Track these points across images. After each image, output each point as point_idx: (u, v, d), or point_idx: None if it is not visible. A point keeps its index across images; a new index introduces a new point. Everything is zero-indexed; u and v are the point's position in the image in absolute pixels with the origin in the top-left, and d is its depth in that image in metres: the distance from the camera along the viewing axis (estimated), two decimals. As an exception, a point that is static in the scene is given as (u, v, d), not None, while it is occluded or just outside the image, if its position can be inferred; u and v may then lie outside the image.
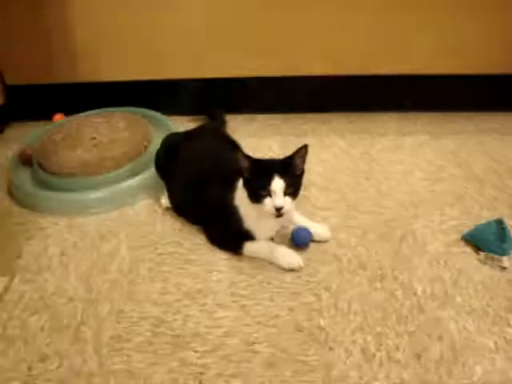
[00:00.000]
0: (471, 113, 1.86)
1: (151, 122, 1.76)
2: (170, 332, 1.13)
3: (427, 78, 1.81)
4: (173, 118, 1.83)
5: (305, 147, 1.19)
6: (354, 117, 1.87)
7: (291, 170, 1.20)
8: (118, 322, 1.16)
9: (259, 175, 1.18)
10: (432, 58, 1.78)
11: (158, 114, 1.82)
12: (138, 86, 1.91)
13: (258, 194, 1.18)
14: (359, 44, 1.77)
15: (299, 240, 1.27)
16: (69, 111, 1.92)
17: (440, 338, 1.08)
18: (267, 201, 1.17)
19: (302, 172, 1.23)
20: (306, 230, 1.29)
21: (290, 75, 1.83)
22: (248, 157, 1.19)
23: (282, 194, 1.17)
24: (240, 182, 1.23)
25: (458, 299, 1.16)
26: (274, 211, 1.17)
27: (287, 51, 1.79)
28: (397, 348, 1.07)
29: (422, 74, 1.81)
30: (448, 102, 1.86)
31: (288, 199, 1.18)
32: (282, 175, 1.16)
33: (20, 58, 1.92)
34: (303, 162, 1.21)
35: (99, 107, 1.89)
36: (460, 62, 1.77)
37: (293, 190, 1.19)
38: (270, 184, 1.16)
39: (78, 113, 1.88)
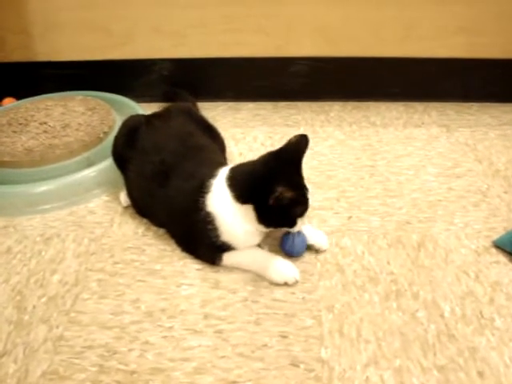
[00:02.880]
0: (489, 103, 1.61)
1: (117, 108, 1.48)
2: (122, 367, 0.85)
3: (438, 62, 1.55)
4: (145, 104, 1.53)
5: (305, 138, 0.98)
6: (352, 105, 1.61)
7: None
8: (56, 353, 0.87)
9: (300, 203, 0.95)
10: (443, 38, 1.53)
11: (125, 99, 1.54)
12: (104, 67, 1.63)
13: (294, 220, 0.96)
14: (358, 21, 1.51)
15: (293, 248, 0.99)
16: (21, 95, 1.62)
17: (480, 375, 0.82)
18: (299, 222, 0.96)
19: None
20: (300, 236, 1.00)
21: (280, 56, 1.56)
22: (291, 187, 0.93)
23: None
24: (216, 181, 0.95)
25: (498, 322, 0.90)
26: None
27: (277, 28, 1.53)
28: (424, 389, 0.80)
29: (431, 57, 1.56)
30: (462, 91, 1.60)
31: None
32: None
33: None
34: None
35: (57, 91, 1.60)
36: (476, 42, 1.51)
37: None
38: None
39: (31, 96, 1.59)
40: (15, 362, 0.86)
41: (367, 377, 0.82)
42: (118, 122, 1.40)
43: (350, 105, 1.60)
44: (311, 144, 1.30)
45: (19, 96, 1.65)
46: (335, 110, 1.59)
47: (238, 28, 1.54)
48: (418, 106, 1.62)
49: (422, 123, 1.52)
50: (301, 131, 1.37)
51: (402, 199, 1.21)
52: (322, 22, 1.54)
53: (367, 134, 1.46)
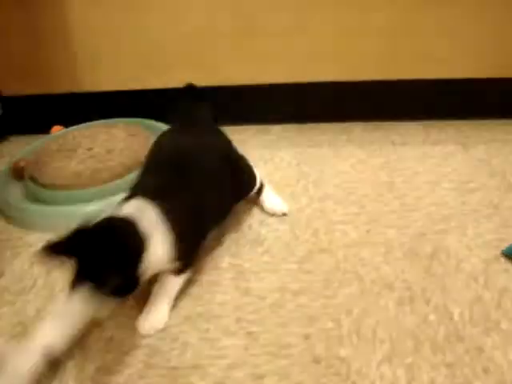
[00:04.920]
0: (505, 120, 1.69)
1: (156, 133, 1.61)
2: (165, 363, 0.97)
3: (454, 83, 1.65)
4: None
5: None
6: (373, 125, 1.72)
7: None
8: (107, 351, 0.99)
9: None
10: (458, 61, 1.62)
11: (162, 125, 1.67)
12: (142, 96, 1.78)
13: None
14: (376, 46, 1.62)
15: None
16: (69, 123, 1.79)
17: (485, 371, 0.91)
18: None
19: None
20: None
21: (302, 81, 1.68)
22: None
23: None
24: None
25: (504, 324, 0.99)
26: None
27: (298, 56, 1.65)
28: (433, 383, 0.89)
29: (447, 78, 1.65)
30: (479, 109, 1.69)
31: None
32: None
33: (17, 68, 1.80)
34: None
35: (101, 118, 1.76)
36: (492, 64, 1.61)
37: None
38: None
39: (78, 124, 1.74)
40: (73, 358, 0.99)
41: (381, 372, 0.92)
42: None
43: (371, 125, 1.70)
44: (334, 163, 1.42)
45: (66, 124, 1.80)
46: (357, 130, 1.69)
47: (263, 57, 1.67)
48: (436, 124, 1.71)
49: (438, 141, 1.61)
50: (324, 151, 1.50)
51: (418, 213, 1.31)
52: (342, 49, 1.65)
53: (387, 153, 1.56)
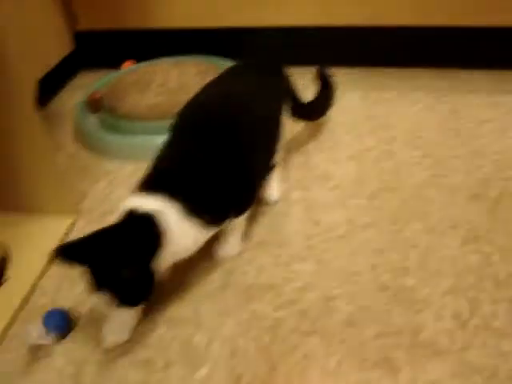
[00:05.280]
0: None
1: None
2: (241, 282, 1.05)
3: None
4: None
5: None
6: (440, 73, 1.71)
7: None
8: (188, 268, 1.08)
9: None
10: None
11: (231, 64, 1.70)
12: (214, 34, 1.81)
13: None
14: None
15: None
16: (139, 58, 1.84)
17: (546, 308, 0.95)
18: None
19: None
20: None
21: (369, 25, 1.68)
22: None
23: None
24: None
25: None
26: None
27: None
28: (494, 315, 0.94)
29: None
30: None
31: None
32: None
33: (91, 3, 1.85)
34: None
35: (171, 55, 1.80)
36: None
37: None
38: None
39: (148, 60, 1.80)
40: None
41: (445, 303, 0.98)
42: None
43: (439, 72, 1.70)
44: (401, 107, 1.45)
45: (137, 60, 1.86)
46: (425, 76, 1.70)
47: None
48: (506, 73, 1.69)
49: (507, 91, 1.60)
50: (390, 95, 1.52)
51: (484, 159, 1.33)
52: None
53: (454, 100, 1.57)
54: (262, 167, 1.12)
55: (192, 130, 1.01)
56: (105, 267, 0.85)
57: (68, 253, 0.85)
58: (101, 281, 0.85)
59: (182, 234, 0.90)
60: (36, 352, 0.97)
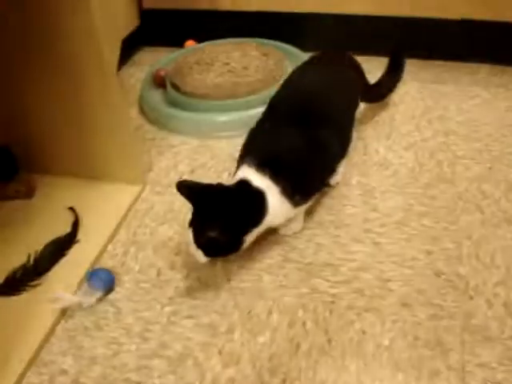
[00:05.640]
0: None
1: (288, 56, 1.71)
2: (301, 259, 1.10)
3: None
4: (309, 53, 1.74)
5: None
6: (499, 69, 1.72)
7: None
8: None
9: None
10: None
11: (293, 49, 1.76)
12: (277, 18, 1.85)
13: None
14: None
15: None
16: (201, 39, 1.90)
17: None
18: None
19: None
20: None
21: (433, 16, 1.69)
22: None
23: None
24: None
25: None
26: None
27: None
28: (545, 308, 0.98)
29: None
30: None
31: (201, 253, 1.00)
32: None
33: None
34: None
35: (233, 37, 1.85)
36: None
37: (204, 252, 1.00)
38: None
39: (210, 40, 1.85)
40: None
41: (496, 293, 1.02)
42: (289, 68, 1.64)
43: (499, 68, 1.71)
44: (458, 101, 1.47)
45: (199, 40, 1.92)
46: (483, 72, 1.71)
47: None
48: None
49: None
50: (449, 88, 1.54)
51: (541, 157, 1.35)
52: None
53: (511, 98, 1.58)
54: (341, 154, 1.20)
55: (288, 118, 1.11)
56: (206, 220, 0.97)
57: (186, 189, 1.00)
58: (197, 227, 0.98)
59: (276, 212, 1.02)
60: (106, 310, 1.04)
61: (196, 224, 0.98)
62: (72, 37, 1.09)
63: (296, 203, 1.05)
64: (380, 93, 1.49)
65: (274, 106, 1.17)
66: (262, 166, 1.01)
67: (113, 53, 1.18)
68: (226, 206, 0.98)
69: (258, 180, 1.00)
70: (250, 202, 0.99)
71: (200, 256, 1.00)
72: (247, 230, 0.99)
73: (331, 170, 1.17)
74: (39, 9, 1.07)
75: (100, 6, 1.06)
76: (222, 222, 0.96)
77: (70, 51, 1.12)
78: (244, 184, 1.00)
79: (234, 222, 0.97)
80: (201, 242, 0.97)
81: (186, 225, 1.01)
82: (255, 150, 1.06)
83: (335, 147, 1.13)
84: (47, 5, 1.06)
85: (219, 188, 1.01)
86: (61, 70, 1.16)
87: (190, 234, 0.99)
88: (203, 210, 0.98)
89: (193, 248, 0.99)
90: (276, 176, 1.00)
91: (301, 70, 1.29)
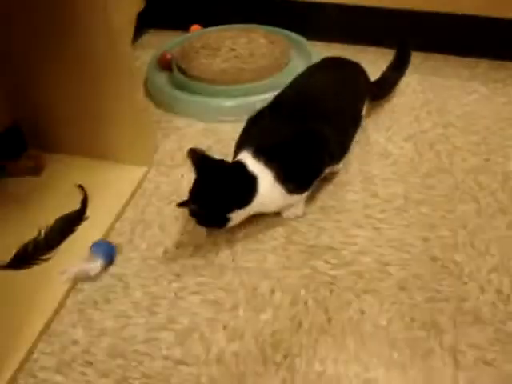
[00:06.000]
0: None
1: (294, 44, 1.74)
2: (303, 241, 1.15)
3: None
4: (315, 43, 1.81)
5: None
6: (498, 64, 1.76)
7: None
8: (253, 223, 1.18)
9: None
10: None
11: (298, 37, 1.79)
12: (282, 6, 1.88)
13: None
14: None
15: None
16: (207, 23, 1.92)
17: None
18: None
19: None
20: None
21: (435, 10, 1.73)
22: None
23: None
24: None
25: None
26: None
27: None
28: (535, 294, 1.03)
29: None
30: None
31: None
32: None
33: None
34: None
35: (238, 23, 1.87)
36: None
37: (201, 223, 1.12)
38: None
39: (215, 25, 1.88)
40: (240, 228, 1.18)
41: (490, 279, 1.07)
42: (294, 56, 1.68)
43: (497, 64, 1.75)
44: (458, 95, 1.51)
45: (205, 24, 1.94)
46: (482, 67, 1.75)
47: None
48: None
49: None
50: (448, 82, 1.59)
51: (537, 151, 1.40)
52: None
53: (510, 92, 1.63)
54: (342, 149, 1.26)
55: (289, 112, 1.17)
56: (194, 192, 1.07)
57: (194, 156, 1.10)
58: (189, 196, 1.07)
59: (267, 196, 1.09)
60: (115, 284, 1.08)
61: (190, 192, 1.07)
62: (88, 21, 1.13)
63: (291, 190, 1.10)
64: (383, 91, 1.55)
65: (277, 101, 1.24)
66: (258, 152, 1.08)
67: (126, 33, 1.19)
68: (215, 181, 1.07)
69: (254, 164, 1.07)
70: (239, 183, 1.07)
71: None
72: (231, 208, 1.06)
73: (326, 163, 1.20)
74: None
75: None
76: (206, 196, 1.05)
77: (85, 34, 1.15)
78: (239, 165, 1.08)
79: (218, 199, 1.05)
80: (190, 210, 1.07)
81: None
82: (253, 138, 1.13)
83: (332, 144, 1.18)
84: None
85: (218, 164, 1.10)
86: (74, 50, 1.19)
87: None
88: (199, 180, 1.08)
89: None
90: (270, 162, 1.07)
91: (309, 71, 1.37)
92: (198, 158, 1.10)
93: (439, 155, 1.36)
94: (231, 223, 1.09)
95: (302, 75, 1.35)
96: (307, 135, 1.13)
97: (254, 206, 1.08)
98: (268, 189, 1.08)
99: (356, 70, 1.41)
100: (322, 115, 1.17)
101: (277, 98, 1.25)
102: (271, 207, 1.14)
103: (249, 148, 1.09)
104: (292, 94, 1.25)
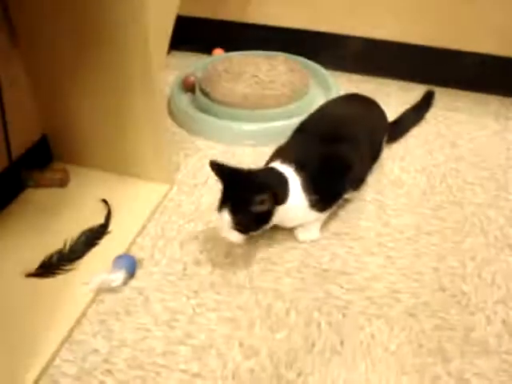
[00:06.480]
0: None
1: (312, 73, 1.81)
2: (317, 265, 1.19)
3: None
4: (334, 73, 1.88)
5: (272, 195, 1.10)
6: (510, 102, 1.82)
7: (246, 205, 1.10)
8: (270, 246, 1.23)
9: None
10: None
11: (317, 66, 1.85)
12: (303, 35, 1.94)
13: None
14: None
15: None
16: (228, 48, 1.99)
17: None
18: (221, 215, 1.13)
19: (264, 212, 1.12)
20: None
21: (454, 48, 1.79)
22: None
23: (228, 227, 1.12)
24: None
25: None
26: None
27: (456, 20, 1.76)
28: (540, 328, 1.07)
29: None
30: None
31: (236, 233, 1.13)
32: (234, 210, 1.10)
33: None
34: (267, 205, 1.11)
35: (260, 49, 1.94)
36: None
37: (242, 227, 1.12)
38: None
39: (236, 50, 1.94)
40: (241, 247, 1.23)
41: (496, 310, 1.11)
42: (312, 85, 1.74)
43: (509, 101, 1.81)
44: (470, 130, 1.57)
45: (227, 49, 2.01)
46: (494, 104, 1.80)
47: (419, 18, 1.79)
48: None
49: None
50: (462, 117, 1.64)
51: (544, 187, 1.44)
52: (498, 22, 1.74)
53: (520, 130, 1.68)
54: (361, 177, 1.34)
55: (318, 135, 1.27)
56: (236, 197, 1.11)
57: (216, 168, 1.14)
58: (225, 202, 1.10)
59: (294, 202, 1.16)
60: (135, 297, 1.13)
61: (234, 200, 1.10)
62: (122, 38, 1.18)
63: (312, 204, 1.17)
64: (398, 133, 1.61)
65: (306, 125, 1.34)
66: (289, 161, 1.17)
67: (159, 56, 1.25)
68: (264, 180, 1.14)
69: (285, 169, 1.16)
70: (279, 180, 1.14)
71: (235, 236, 1.12)
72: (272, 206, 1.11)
73: (347, 187, 1.27)
74: (94, 16, 1.17)
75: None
76: (268, 191, 1.09)
77: (118, 52, 1.21)
78: (271, 168, 1.17)
79: (274, 194, 1.10)
80: (241, 214, 1.09)
81: (216, 211, 1.13)
82: (284, 154, 1.21)
83: (355, 170, 1.26)
84: (100, 12, 1.16)
85: (248, 170, 1.16)
86: (106, 68, 1.25)
87: (223, 217, 1.10)
88: (238, 187, 1.11)
89: (226, 230, 1.11)
90: (299, 171, 1.15)
91: (334, 102, 1.48)
92: (224, 169, 1.15)
93: (450, 189, 1.42)
94: (270, 224, 1.14)
95: (327, 104, 1.45)
96: (335, 156, 1.22)
97: (283, 210, 1.13)
98: (294, 195, 1.14)
99: (377, 106, 1.48)
100: (349, 142, 1.25)
101: (306, 123, 1.34)
102: (291, 218, 1.19)
103: (280, 159, 1.19)
104: (320, 120, 1.34)
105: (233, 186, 1.12)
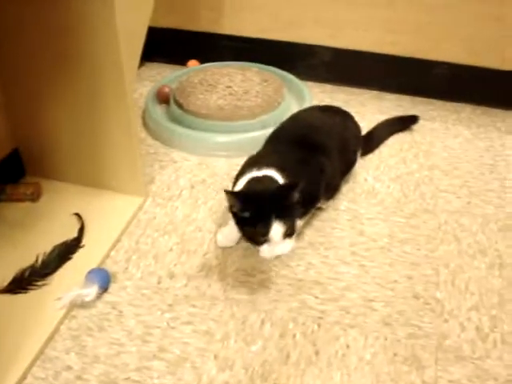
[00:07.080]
0: None
1: (286, 83, 1.81)
2: (293, 275, 1.19)
3: None
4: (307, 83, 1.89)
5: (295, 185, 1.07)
6: (482, 110, 1.84)
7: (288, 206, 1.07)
8: (245, 257, 1.23)
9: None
10: None
11: (291, 76, 1.86)
12: (276, 45, 1.95)
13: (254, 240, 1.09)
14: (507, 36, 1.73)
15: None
16: (203, 59, 1.99)
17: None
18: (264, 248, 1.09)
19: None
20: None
21: (425, 58, 1.82)
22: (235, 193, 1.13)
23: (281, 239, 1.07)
24: None
25: None
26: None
27: (429, 33, 1.78)
28: (512, 333, 1.08)
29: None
30: None
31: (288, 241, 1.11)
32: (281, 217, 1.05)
33: (165, 3, 1.99)
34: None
35: (234, 60, 1.94)
36: None
37: (292, 229, 1.08)
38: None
39: (211, 61, 1.95)
40: (217, 258, 1.23)
41: (469, 317, 1.12)
42: (286, 95, 1.74)
43: (480, 109, 1.84)
44: (443, 138, 1.58)
45: (201, 60, 2.01)
46: (466, 111, 1.83)
47: (391, 29, 1.82)
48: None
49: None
50: (435, 125, 1.66)
51: (514, 196, 1.47)
52: (467, 32, 1.77)
53: (492, 138, 1.70)
54: (335, 186, 1.36)
55: (293, 143, 1.29)
56: (274, 208, 1.05)
57: (242, 197, 1.08)
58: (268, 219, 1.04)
59: None
60: (108, 312, 1.12)
61: (275, 212, 1.04)
62: (94, 52, 1.18)
63: None
64: (370, 147, 1.61)
65: (277, 134, 1.34)
66: (267, 167, 1.15)
67: (130, 70, 1.25)
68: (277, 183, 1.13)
69: (270, 173, 1.15)
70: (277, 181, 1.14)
71: (288, 244, 1.11)
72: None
73: (322, 193, 1.28)
74: (63, 28, 1.17)
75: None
76: (295, 183, 1.07)
77: (90, 65, 1.20)
78: (263, 176, 1.14)
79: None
80: (287, 216, 1.05)
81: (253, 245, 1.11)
82: (261, 162, 1.19)
83: (329, 176, 1.27)
84: (72, 26, 1.15)
85: (259, 188, 1.13)
86: (79, 81, 1.24)
87: (275, 231, 1.05)
88: (269, 201, 1.06)
89: (279, 242, 1.07)
90: (281, 174, 1.14)
91: (306, 111, 1.49)
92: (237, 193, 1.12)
93: (423, 197, 1.43)
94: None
95: (299, 114, 1.45)
96: (310, 161, 1.23)
97: None
98: None
99: (351, 118, 1.48)
100: (323, 150, 1.27)
101: (278, 132, 1.35)
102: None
103: (255, 167, 1.16)
104: (294, 129, 1.35)
105: (262, 205, 1.06)
